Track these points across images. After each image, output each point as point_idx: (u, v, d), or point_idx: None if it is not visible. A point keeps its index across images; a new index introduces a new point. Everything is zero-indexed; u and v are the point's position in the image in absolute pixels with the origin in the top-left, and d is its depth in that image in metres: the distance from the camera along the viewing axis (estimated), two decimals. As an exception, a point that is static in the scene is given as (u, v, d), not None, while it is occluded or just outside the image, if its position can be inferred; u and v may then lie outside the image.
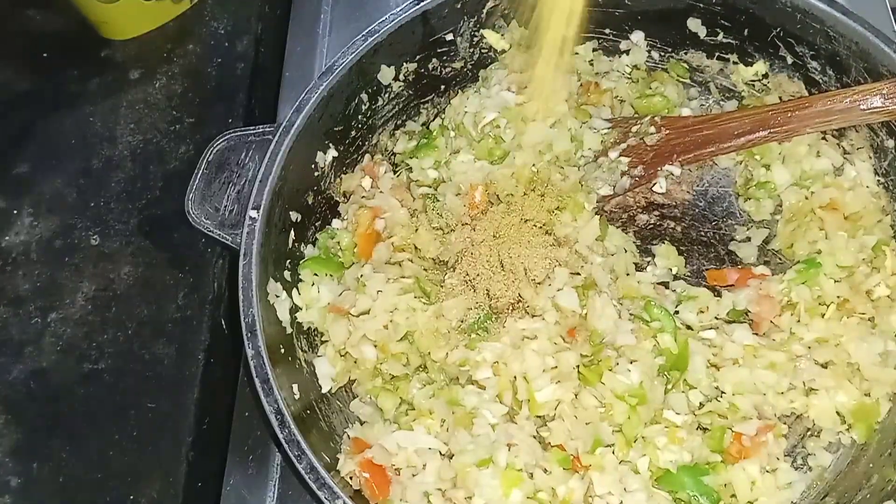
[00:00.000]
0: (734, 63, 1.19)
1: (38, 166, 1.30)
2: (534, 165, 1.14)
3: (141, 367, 1.13)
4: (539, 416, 0.95)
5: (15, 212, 1.26)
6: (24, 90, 1.36)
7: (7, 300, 1.19)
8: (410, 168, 1.16)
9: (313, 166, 1.09)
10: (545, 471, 0.90)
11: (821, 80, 1.10)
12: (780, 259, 1.10)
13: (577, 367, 0.96)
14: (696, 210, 1.16)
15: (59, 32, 1.40)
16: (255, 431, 1.11)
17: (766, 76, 1.17)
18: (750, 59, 1.17)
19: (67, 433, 1.10)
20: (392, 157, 1.20)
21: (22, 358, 1.14)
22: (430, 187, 1.14)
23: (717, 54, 1.19)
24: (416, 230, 1.09)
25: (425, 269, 1.08)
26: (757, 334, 1.02)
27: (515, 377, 0.96)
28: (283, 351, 0.98)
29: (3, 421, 1.10)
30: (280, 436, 0.85)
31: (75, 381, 1.13)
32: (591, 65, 1.23)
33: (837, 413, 0.97)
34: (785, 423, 0.98)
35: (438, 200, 1.11)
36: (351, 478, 0.90)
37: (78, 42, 1.37)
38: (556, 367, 0.96)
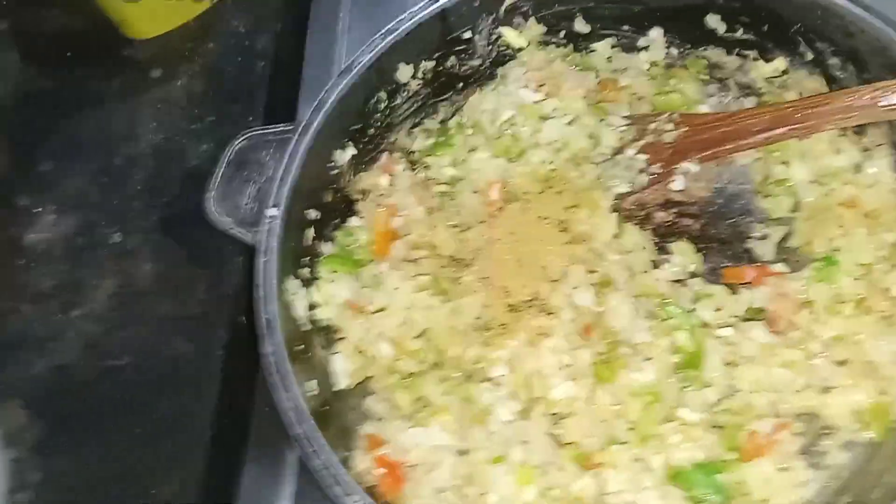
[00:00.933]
0: (753, 59, 1.18)
1: (60, 164, 1.31)
2: (551, 163, 1.14)
3: (161, 363, 1.14)
4: (553, 414, 0.96)
5: (38, 210, 1.28)
6: (47, 89, 1.38)
7: (30, 297, 1.20)
8: (428, 166, 1.17)
9: (331, 164, 1.10)
10: (559, 468, 0.91)
11: (840, 77, 1.09)
12: (797, 257, 1.10)
13: (593, 364, 0.97)
14: (714, 207, 1.16)
15: (82, 32, 1.41)
16: (275, 426, 1.12)
17: (785, 72, 1.16)
18: (769, 56, 1.16)
19: (89, 428, 1.11)
20: (410, 155, 1.20)
21: (44, 354, 1.16)
22: (448, 185, 1.15)
23: (736, 51, 1.18)
24: (434, 228, 1.09)
25: (442, 267, 1.08)
26: (773, 332, 1.01)
27: (530, 375, 0.96)
28: (300, 348, 0.99)
29: (25, 416, 1.12)
30: (297, 432, 0.86)
31: (97, 376, 1.14)
32: (609, 62, 1.23)
33: (854, 412, 0.96)
34: (800, 422, 0.98)
35: (455, 198, 1.11)
36: (366, 474, 0.91)
37: (100, 41, 1.39)
38: (572, 364, 0.97)
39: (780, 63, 1.16)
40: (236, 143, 1.07)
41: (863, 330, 0.98)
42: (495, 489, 0.88)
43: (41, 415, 1.12)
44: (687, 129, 1.14)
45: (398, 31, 1.09)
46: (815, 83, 1.13)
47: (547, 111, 1.17)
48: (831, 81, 1.11)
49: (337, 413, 0.99)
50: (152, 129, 1.32)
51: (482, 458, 0.90)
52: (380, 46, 1.08)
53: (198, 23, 1.40)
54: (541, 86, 1.19)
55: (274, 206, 0.99)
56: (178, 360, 1.14)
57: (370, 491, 0.85)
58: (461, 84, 1.22)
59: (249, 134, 1.07)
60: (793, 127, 1.05)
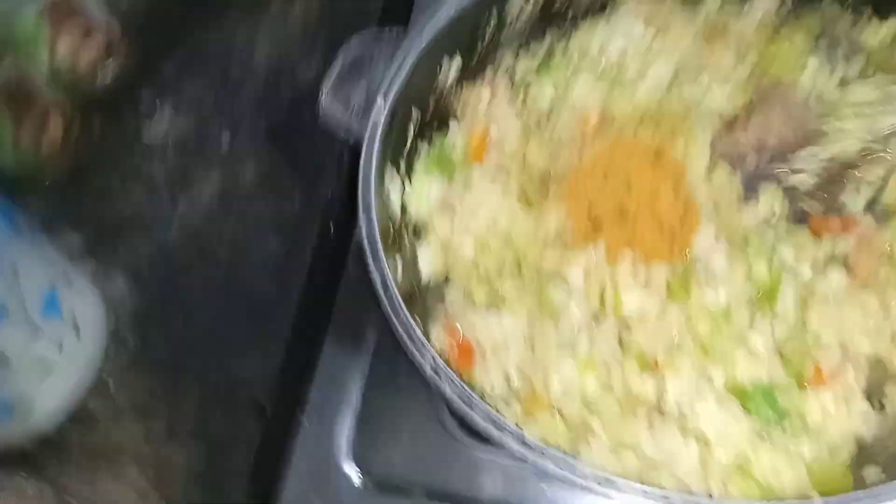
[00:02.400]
0: (868, 18, 1.17)
1: (183, 69, 1.40)
2: (654, 99, 1.16)
3: (254, 257, 1.23)
4: (622, 322, 0.99)
5: (158, 107, 1.37)
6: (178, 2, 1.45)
7: (143, 184, 1.30)
8: (529, 85, 1.20)
9: (439, 71, 1.15)
10: (622, 367, 0.95)
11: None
12: (887, 213, 1.09)
13: (667, 282, 1.00)
14: (809, 158, 1.17)
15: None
16: (354, 316, 1.20)
17: (896, 37, 1.15)
18: (884, 15, 1.15)
19: (183, 304, 1.20)
20: (513, 75, 1.24)
21: (150, 235, 1.25)
22: (547, 106, 1.18)
23: (850, 6, 1.18)
24: (528, 142, 1.14)
25: (531, 180, 1.13)
26: (853, 280, 1.02)
27: (604, 284, 1.00)
28: (391, 233, 1.06)
29: (127, 287, 1.21)
30: (382, 295, 0.92)
31: (195, 261, 1.23)
32: (722, 6, 1.23)
33: (923, 362, 0.97)
34: (867, 366, 0.99)
35: (552, 118, 1.15)
36: (440, 347, 0.97)
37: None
38: (647, 279, 1.00)
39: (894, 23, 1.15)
40: (352, 41, 1.13)
41: (944, 286, 0.98)
42: (559, 374, 0.92)
43: (141, 288, 1.21)
44: None
45: (516, -51, 1.13)
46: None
47: (656, 48, 1.19)
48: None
49: (422, 296, 1.05)
50: (269, 44, 1.40)
51: (550, 344, 0.95)
52: (496, -38, 1.12)
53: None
54: (650, 23, 1.21)
55: (383, 98, 1.05)
56: (269, 256, 1.23)
57: (444, 362, 0.90)
58: (571, 12, 1.24)
59: (364, 34, 1.14)
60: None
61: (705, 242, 1.00)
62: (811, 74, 1.20)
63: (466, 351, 0.95)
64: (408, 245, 1.09)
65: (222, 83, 1.38)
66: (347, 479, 1.08)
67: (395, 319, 0.90)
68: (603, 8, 1.24)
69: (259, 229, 1.25)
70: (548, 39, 1.25)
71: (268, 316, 1.18)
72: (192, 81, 1.39)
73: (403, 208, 1.11)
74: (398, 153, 1.11)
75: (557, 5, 1.22)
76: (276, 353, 1.15)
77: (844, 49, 1.21)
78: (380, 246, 0.95)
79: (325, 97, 1.12)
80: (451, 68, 1.17)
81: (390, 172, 1.07)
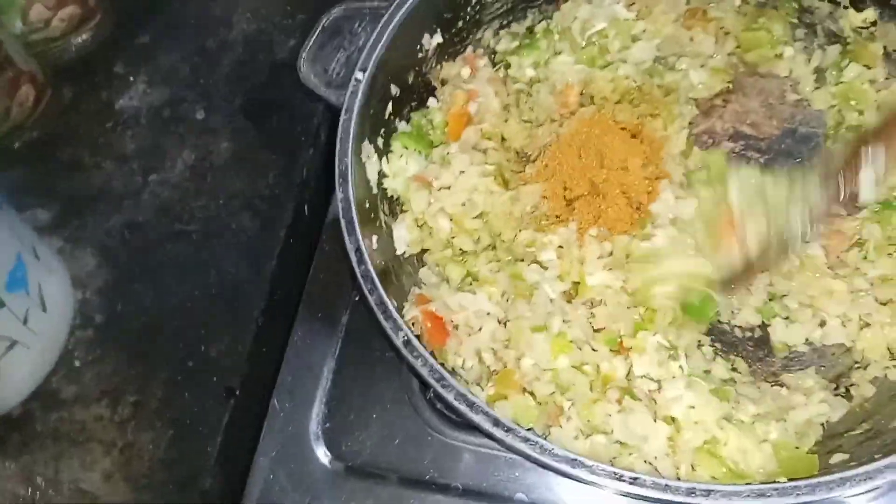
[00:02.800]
0: (844, 7, 1.18)
1: (158, 40, 1.39)
2: (634, 80, 1.17)
3: (227, 234, 1.21)
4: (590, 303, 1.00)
5: (131, 78, 1.36)
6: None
7: (114, 156, 1.29)
8: (509, 65, 1.20)
9: (419, 47, 1.15)
10: (593, 348, 0.95)
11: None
12: (857, 200, 1.11)
13: (627, 256, 1.00)
14: (782, 146, 1.18)
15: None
16: (326, 294, 1.19)
17: (874, 24, 1.16)
18: (861, 5, 1.17)
19: (153, 281, 1.18)
20: (493, 55, 1.24)
21: (120, 210, 1.24)
22: (526, 84, 1.18)
23: (829, -4, 1.19)
24: (506, 121, 1.13)
25: (507, 160, 1.13)
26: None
27: (574, 260, 1.01)
28: (366, 206, 1.05)
29: (95, 262, 1.20)
30: (357, 270, 0.91)
31: (166, 237, 1.22)
32: (703, -9, 1.24)
33: (889, 349, 0.99)
34: (834, 354, 1.01)
35: (532, 95, 1.15)
36: (413, 324, 0.96)
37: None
38: (612, 252, 1.01)
39: (870, 14, 1.16)
40: (333, 11, 1.12)
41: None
42: (532, 353, 0.92)
43: (110, 264, 1.20)
44: None
45: (501, -73, 1.12)
46: (902, 36, 1.13)
47: (637, 31, 1.20)
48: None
49: (393, 274, 1.04)
50: (246, 20, 1.39)
51: (523, 325, 0.95)
52: (478, -61, 1.12)
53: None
54: (631, 4, 1.21)
55: (361, 70, 1.04)
56: (242, 233, 1.21)
57: (416, 338, 0.90)
58: (554, -8, 1.25)
59: (346, 4, 1.13)
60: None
61: (667, 203, 1.01)
62: (788, 63, 1.21)
63: (440, 329, 0.95)
64: (383, 222, 1.08)
65: (198, 55, 1.36)
66: (318, 462, 1.07)
67: (368, 294, 0.90)
68: (586, -12, 1.25)
69: (232, 206, 1.24)
70: (529, 18, 1.25)
71: (239, 295, 1.17)
72: (168, 53, 1.37)
73: (380, 184, 1.10)
74: (376, 128, 1.10)
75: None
76: (246, 333, 1.14)
77: (821, 39, 1.22)
78: (356, 218, 0.95)
79: (303, 64, 1.11)
80: (432, 44, 1.16)
81: (367, 147, 1.06)
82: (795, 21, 1.23)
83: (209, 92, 1.32)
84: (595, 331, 0.98)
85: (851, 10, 1.18)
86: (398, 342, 0.86)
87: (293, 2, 1.39)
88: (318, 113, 1.29)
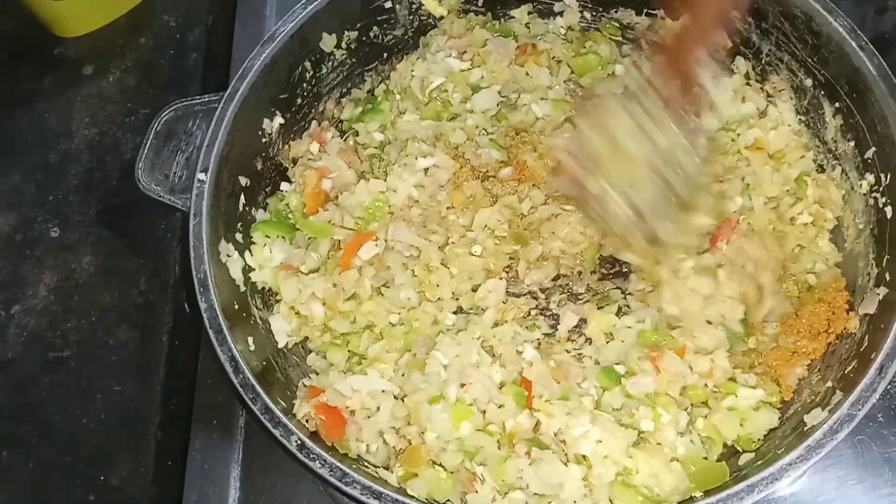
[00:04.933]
0: (661, 18, 1.24)
1: (-5, 163, 1.31)
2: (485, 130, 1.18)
3: (106, 352, 1.16)
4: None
5: (-26, 207, 1.27)
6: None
7: (-32, 294, 1.20)
8: (357, 132, 1.19)
9: (260, 133, 1.12)
10: (498, 406, 0.94)
11: (741, 29, 1.16)
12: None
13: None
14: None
15: (12, 32, 1.41)
16: (218, 397, 1.13)
17: (689, 28, 1.22)
18: (675, 14, 1.22)
19: (36, 420, 1.12)
20: (339, 124, 1.23)
21: None
22: (377, 149, 1.18)
23: (644, 10, 1.24)
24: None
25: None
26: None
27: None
28: (237, 308, 1.01)
29: None
30: (235, 381, 0.88)
31: (41, 369, 1.15)
32: (528, 27, 1.27)
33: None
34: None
35: (384, 159, 1.15)
36: (307, 420, 0.93)
37: (30, 41, 1.39)
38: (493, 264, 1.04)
39: (686, 20, 1.21)
40: (163, 114, 1.09)
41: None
42: (433, 426, 0.91)
43: None
44: None
45: (319, 1, 1.11)
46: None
47: (475, 80, 1.21)
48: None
49: (279, 370, 1.01)
50: (86, 125, 1.33)
51: (420, 398, 0.93)
52: (301, 16, 1.11)
53: (129, 18, 1.41)
54: (464, 53, 1.23)
55: (202, 170, 1.01)
56: (122, 348, 1.16)
57: (314, 436, 0.87)
58: (386, 54, 1.25)
59: (177, 105, 1.09)
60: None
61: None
62: (621, 80, 1.25)
63: (336, 420, 0.92)
64: (258, 318, 1.04)
65: (42, 171, 1.29)
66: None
67: (252, 404, 0.86)
68: (416, 46, 1.25)
69: (106, 322, 1.18)
70: (368, 82, 1.25)
71: (131, 415, 1.12)
72: (7, 175, 1.29)
73: (247, 280, 1.06)
74: (231, 225, 1.06)
75: (369, 48, 1.22)
76: (146, 454, 1.09)
77: (647, 52, 1.27)
78: (224, 326, 0.91)
79: (142, 174, 1.07)
80: (274, 127, 1.14)
81: (226, 247, 1.03)
82: (620, 38, 1.28)
83: (60, 207, 1.26)
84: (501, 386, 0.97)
85: (668, 20, 1.23)
86: (292, 448, 0.83)
87: (133, 97, 1.35)
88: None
